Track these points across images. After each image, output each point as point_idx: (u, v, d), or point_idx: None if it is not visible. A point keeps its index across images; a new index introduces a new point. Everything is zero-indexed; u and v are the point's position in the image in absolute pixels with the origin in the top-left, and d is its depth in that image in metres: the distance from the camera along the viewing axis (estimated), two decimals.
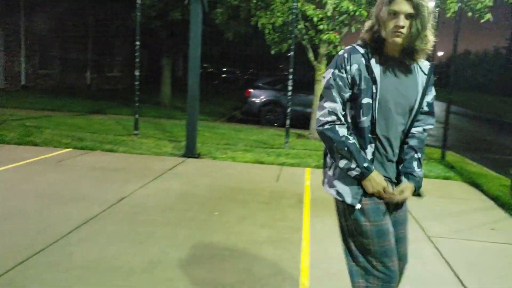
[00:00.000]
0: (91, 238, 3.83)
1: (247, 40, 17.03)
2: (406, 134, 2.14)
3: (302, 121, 11.69)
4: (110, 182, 5.64)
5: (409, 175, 2.11)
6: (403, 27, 1.94)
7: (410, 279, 2.87)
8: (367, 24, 2.09)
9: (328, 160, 2.17)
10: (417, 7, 1.93)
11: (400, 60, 2.08)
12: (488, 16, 8.79)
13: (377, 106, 2.02)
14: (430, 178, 7.06)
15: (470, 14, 8.87)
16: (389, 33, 1.97)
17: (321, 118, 2.07)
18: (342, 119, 2.06)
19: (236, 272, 3.37)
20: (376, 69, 2.03)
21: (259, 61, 27.55)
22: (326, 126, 2.05)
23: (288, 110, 8.98)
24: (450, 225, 4.84)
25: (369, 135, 2.05)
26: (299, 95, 12.18)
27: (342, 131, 2.04)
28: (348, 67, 2.03)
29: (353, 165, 2.02)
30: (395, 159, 2.14)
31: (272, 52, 10.54)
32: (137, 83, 9.02)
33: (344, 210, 2.11)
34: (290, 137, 9.29)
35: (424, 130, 2.20)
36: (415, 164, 2.13)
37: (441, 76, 10.96)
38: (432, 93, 2.18)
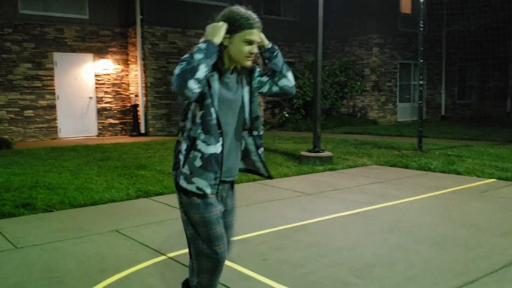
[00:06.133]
0: None
1: None
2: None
3: None
4: None
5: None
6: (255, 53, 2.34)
7: None
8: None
9: (182, 158, 2.32)
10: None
11: (234, 68, 2.38)
12: None
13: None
14: None
15: None
16: (242, 56, 2.29)
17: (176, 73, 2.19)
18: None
19: None
20: (216, 79, 2.30)
21: None
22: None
23: None
24: None
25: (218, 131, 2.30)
26: None
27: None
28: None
29: (202, 46, 2.19)
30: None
31: None
32: None
33: (192, 203, 2.33)
34: None
35: None
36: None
37: None
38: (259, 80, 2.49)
